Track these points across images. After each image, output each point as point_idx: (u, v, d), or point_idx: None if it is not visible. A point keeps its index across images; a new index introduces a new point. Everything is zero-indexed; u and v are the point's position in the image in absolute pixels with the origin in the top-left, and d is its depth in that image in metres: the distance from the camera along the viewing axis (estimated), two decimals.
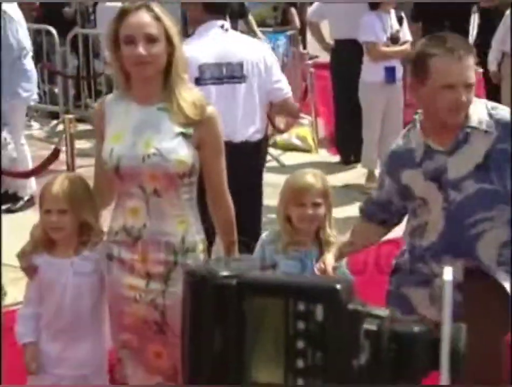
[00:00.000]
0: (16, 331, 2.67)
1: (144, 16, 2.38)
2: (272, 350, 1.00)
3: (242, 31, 4.93)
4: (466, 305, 2.30)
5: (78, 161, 4.44)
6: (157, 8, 2.41)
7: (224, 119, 3.40)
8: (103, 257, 2.56)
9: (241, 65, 3.47)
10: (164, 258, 2.48)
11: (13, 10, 5.21)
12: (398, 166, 2.57)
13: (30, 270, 2.64)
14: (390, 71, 5.49)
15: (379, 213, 2.66)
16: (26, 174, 5.15)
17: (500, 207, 2.48)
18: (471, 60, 2.41)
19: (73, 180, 2.63)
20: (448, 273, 1.00)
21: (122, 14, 2.40)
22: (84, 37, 7.48)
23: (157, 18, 2.38)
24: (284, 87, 3.64)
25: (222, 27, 3.52)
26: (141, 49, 2.33)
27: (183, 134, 2.43)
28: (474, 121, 2.45)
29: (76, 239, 2.60)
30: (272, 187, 2.87)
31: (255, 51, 3.59)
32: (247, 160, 3.43)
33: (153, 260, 2.48)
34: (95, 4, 7.66)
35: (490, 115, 2.47)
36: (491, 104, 2.56)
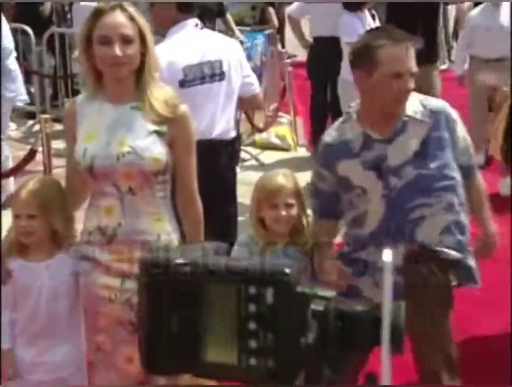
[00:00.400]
0: None
1: (119, 17, 2.38)
2: (226, 333, 1.06)
3: (220, 31, 4.94)
4: (405, 286, 2.37)
5: (55, 161, 4.40)
6: (131, 8, 2.42)
7: (204, 117, 3.46)
8: (78, 258, 2.55)
9: (220, 62, 3.48)
10: (139, 257, 2.42)
11: None
12: (333, 158, 2.63)
13: (4, 275, 2.61)
14: None
15: (331, 208, 2.71)
16: (3, 175, 5.11)
17: (437, 193, 2.57)
18: (413, 51, 2.51)
19: (46, 183, 2.63)
20: (387, 255, 1.06)
21: (97, 14, 2.39)
22: (60, 37, 7.43)
23: (131, 18, 2.39)
24: (254, 82, 3.69)
25: (196, 25, 3.52)
26: (117, 50, 2.34)
27: (157, 132, 2.44)
28: (409, 111, 2.56)
29: (48, 242, 2.58)
30: (251, 186, 2.86)
31: (230, 49, 3.61)
32: (223, 158, 3.48)
33: (129, 260, 2.47)
34: (71, 4, 7.62)
35: (424, 106, 2.59)
36: (422, 95, 2.66)
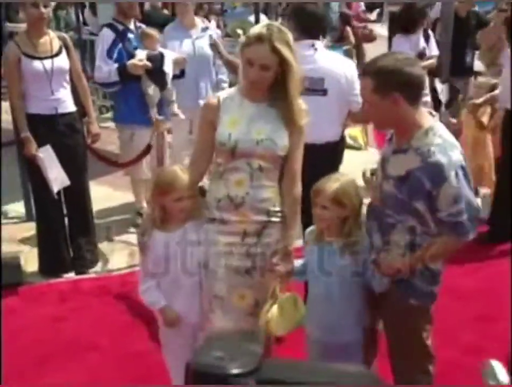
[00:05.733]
0: (148, 303, 3.07)
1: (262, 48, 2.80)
2: None
3: None
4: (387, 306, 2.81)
5: None
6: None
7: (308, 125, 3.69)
8: (205, 221, 2.97)
9: (322, 80, 3.81)
10: (260, 219, 2.94)
11: None
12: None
13: (142, 247, 3.01)
14: None
15: None
16: (124, 164, 5.68)
17: (405, 215, 2.71)
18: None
19: (183, 170, 2.98)
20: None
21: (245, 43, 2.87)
22: None
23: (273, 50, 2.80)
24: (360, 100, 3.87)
25: (313, 46, 3.88)
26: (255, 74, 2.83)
27: (284, 126, 2.92)
28: (417, 142, 2.64)
29: (177, 216, 2.97)
30: None
31: (337, 67, 3.86)
32: (328, 158, 3.84)
33: (251, 221, 2.93)
34: None
35: (429, 148, 2.60)
36: (442, 138, 2.64)
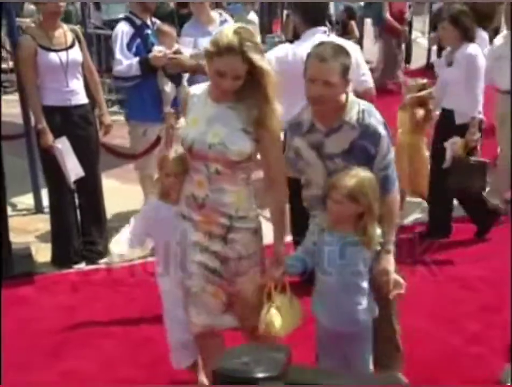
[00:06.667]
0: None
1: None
2: None
3: None
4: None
5: None
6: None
7: None
8: (179, 215, 3.01)
9: None
10: (222, 222, 2.88)
11: None
12: (292, 134, 3.10)
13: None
14: None
15: (295, 168, 3.13)
16: (137, 156, 5.89)
17: None
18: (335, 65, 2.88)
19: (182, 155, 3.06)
20: None
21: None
22: None
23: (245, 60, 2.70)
24: (368, 80, 4.48)
25: (324, 32, 4.37)
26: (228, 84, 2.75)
27: (244, 130, 2.80)
28: (347, 117, 2.92)
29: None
30: None
31: (349, 50, 4.38)
32: None
33: (214, 223, 2.89)
34: None
35: (360, 116, 2.92)
36: (365, 105, 2.98)
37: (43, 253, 5.11)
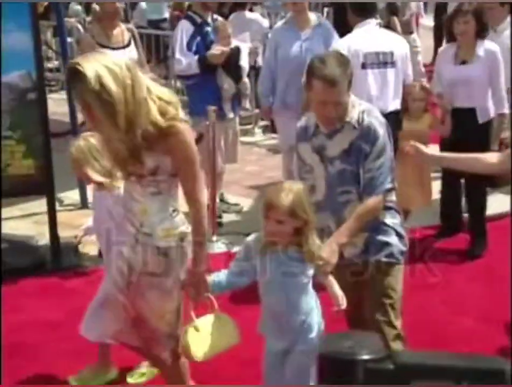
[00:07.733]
0: None
1: None
2: None
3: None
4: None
5: None
6: None
7: (378, 95, 4.44)
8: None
9: (392, 53, 4.53)
10: (131, 231, 2.84)
11: None
12: (297, 140, 3.16)
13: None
14: None
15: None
16: None
17: (356, 185, 3.01)
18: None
19: None
20: None
21: None
22: None
23: None
24: (410, 74, 4.78)
25: (377, 24, 4.63)
26: None
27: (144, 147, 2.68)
28: (348, 117, 2.97)
29: None
30: None
31: (400, 44, 4.65)
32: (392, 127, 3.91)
33: (126, 231, 2.86)
34: None
35: (360, 116, 2.97)
36: (365, 106, 3.04)
37: (89, 247, 5.20)
